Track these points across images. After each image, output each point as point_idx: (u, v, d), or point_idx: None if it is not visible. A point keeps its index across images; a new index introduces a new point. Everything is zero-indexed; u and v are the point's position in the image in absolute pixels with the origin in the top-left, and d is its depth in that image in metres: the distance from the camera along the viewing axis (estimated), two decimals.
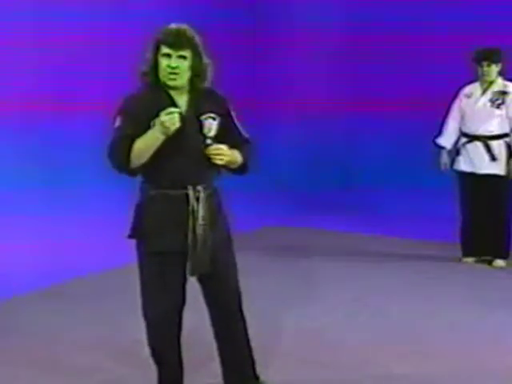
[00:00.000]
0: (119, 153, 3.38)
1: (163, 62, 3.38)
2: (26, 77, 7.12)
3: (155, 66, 3.42)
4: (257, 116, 9.28)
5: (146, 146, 3.36)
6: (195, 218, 3.42)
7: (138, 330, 3.98)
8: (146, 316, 3.58)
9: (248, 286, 5.58)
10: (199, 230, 3.42)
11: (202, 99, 3.49)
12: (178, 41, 3.37)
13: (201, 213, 3.43)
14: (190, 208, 3.42)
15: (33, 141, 7.31)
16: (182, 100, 3.47)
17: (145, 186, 3.49)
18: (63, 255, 6.18)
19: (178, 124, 3.32)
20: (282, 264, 6.30)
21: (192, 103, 3.47)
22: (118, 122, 3.41)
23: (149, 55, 3.43)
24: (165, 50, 3.38)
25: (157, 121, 3.32)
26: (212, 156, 3.42)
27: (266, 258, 6.49)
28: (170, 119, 3.30)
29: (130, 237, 3.51)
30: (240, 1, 9.09)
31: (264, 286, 5.63)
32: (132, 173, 3.45)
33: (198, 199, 3.43)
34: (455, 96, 6.30)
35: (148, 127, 3.37)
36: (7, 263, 5.91)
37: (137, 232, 3.49)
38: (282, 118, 9.41)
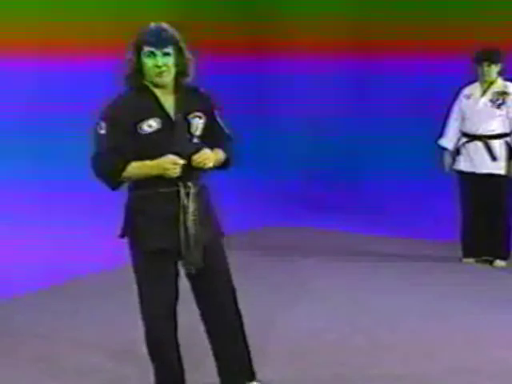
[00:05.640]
0: (108, 167, 3.39)
1: (149, 62, 3.39)
2: (25, 77, 7.13)
3: (139, 67, 3.42)
4: (258, 116, 9.29)
5: (139, 175, 3.41)
6: (186, 214, 3.45)
7: (137, 330, 3.98)
8: (143, 313, 3.60)
9: (248, 286, 5.58)
10: (190, 226, 3.45)
11: (187, 98, 3.51)
12: (160, 39, 3.38)
13: (191, 208, 3.46)
14: (181, 204, 3.44)
15: (32, 142, 7.31)
16: (169, 101, 3.47)
17: (135, 186, 3.48)
18: (63, 255, 6.18)
19: (177, 174, 3.38)
20: (282, 264, 6.30)
21: (179, 103, 3.49)
22: (103, 130, 3.38)
23: (131, 57, 3.41)
24: (148, 49, 3.37)
25: (160, 161, 3.36)
26: (200, 164, 3.46)
27: (266, 257, 6.49)
28: (173, 170, 3.37)
29: (122, 236, 3.53)
30: (242, 3, 9.10)
31: (264, 285, 5.64)
32: (116, 186, 3.48)
33: (188, 195, 3.46)
34: (456, 97, 6.31)
35: (135, 133, 3.38)
36: (7, 263, 5.91)
37: (129, 231, 3.51)
38: (283, 118, 9.41)
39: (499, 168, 6.12)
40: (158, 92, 3.45)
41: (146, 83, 3.44)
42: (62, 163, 7.53)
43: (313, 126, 9.33)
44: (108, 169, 3.39)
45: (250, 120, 9.07)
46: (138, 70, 3.42)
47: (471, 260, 6.36)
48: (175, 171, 3.39)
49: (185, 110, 3.49)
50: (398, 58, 8.59)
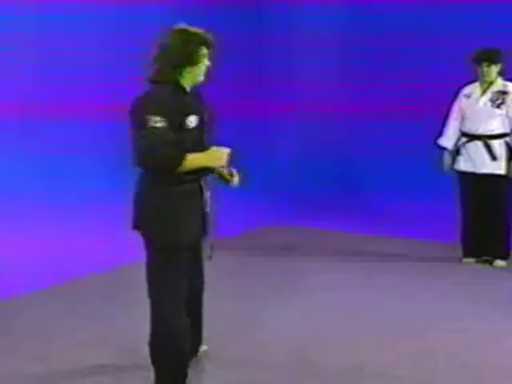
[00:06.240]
0: (171, 160, 3.41)
1: (204, 63, 3.55)
2: (26, 78, 7.14)
3: (185, 63, 3.53)
4: (258, 116, 9.30)
5: (192, 167, 3.47)
6: (206, 207, 3.62)
7: (138, 330, 3.98)
8: (161, 310, 3.59)
9: (247, 286, 5.61)
10: (209, 217, 3.65)
11: (199, 98, 3.66)
12: (213, 42, 3.56)
13: (208, 201, 3.64)
14: (204, 198, 3.60)
15: (32, 142, 7.32)
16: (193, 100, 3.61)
17: (159, 182, 3.51)
18: (63, 255, 6.19)
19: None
20: (282, 264, 6.30)
21: (197, 102, 3.62)
22: (159, 123, 3.38)
23: (198, 58, 3.52)
24: (205, 50, 3.54)
25: (214, 152, 3.51)
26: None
27: (265, 257, 6.49)
28: (224, 160, 3.55)
29: (144, 232, 3.56)
30: (244, 3, 9.11)
31: (264, 285, 5.64)
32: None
33: (205, 190, 3.63)
34: (455, 96, 6.31)
35: (181, 127, 3.45)
36: (7, 263, 5.91)
37: (155, 227, 3.53)
38: (284, 118, 9.42)
39: (499, 168, 6.12)
40: (188, 90, 3.58)
41: (181, 80, 3.54)
42: (61, 164, 7.54)
43: (312, 126, 9.34)
44: (171, 162, 3.41)
45: (250, 121, 9.08)
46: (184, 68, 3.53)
47: (471, 260, 6.37)
48: (224, 163, 3.56)
49: (202, 109, 3.63)
50: (398, 57, 8.60)
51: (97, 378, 4.02)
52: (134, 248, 6.21)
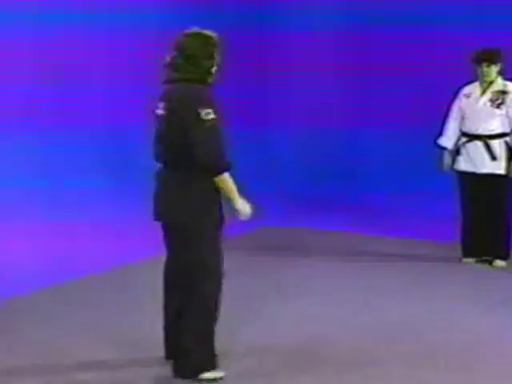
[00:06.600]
0: (227, 166, 3.72)
1: (217, 63, 3.80)
2: (27, 80, 7.15)
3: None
4: (259, 117, 9.31)
5: (225, 190, 3.77)
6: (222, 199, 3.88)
7: (137, 329, 3.99)
8: (217, 274, 3.96)
9: (248, 286, 5.61)
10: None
11: None
12: (221, 43, 3.79)
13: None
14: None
15: (33, 141, 7.32)
16: None
17: (194, 178, 3.70)
18: (63, 255, 6.19)
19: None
20: (282, 264, 6.30)
21: None
22: (212, 114, 3.60)
23: (215, 59, 3.76)
24: (217, 52, 3.77)
25: (244, 204, 3.87)
26: None
27: (265, 257, 6.49)
28: (248, 216, 3.92)
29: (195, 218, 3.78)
30: (247, 5, 9.12)
31: (264, 285, 5.64)
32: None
33: None
34: (455, 96, 6.31)
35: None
36: (7, 263, 5.92)
37: (205, 211, 3.77)
38: (284, 119, 9.42)
39: (499, 168, 6.12)
40: None
41: (207, 79, 3.77)
42: (61, 164, 7.54)
43: (312, 125, 9.34)
44: (223, 168, 3.70)
45: (250, 121, 9.09)
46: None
47: (471, 260, 6.36)
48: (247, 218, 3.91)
49: None
50: (398, 57, 8.60)
51: (97, 376, 4.02)
52: (134, 248, 6.23)
